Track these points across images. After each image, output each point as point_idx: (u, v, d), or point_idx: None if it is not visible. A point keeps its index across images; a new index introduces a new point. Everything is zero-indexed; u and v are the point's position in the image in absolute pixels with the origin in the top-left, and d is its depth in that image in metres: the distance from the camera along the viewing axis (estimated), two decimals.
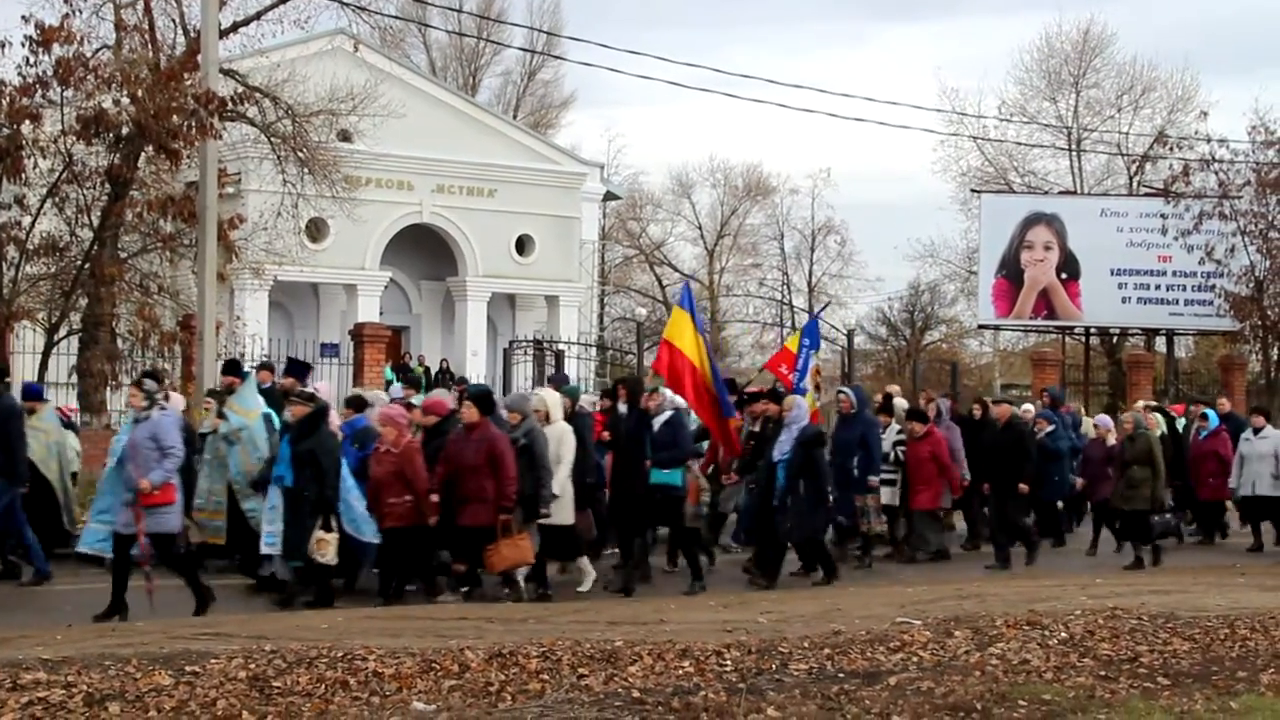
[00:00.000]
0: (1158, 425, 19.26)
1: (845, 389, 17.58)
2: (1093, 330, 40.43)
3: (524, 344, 33.98)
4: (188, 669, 8.71)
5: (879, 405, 18.22)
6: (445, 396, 15.31)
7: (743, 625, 11.31)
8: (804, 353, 18.61)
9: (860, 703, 8.42)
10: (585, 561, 14.78)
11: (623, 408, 14.96)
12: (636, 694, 8.54)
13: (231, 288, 29.60)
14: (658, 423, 14.83)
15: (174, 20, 24.73)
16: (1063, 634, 10.76)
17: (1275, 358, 35.41)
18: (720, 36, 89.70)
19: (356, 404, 14.91)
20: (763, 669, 9.42)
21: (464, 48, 54.78)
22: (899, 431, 17.49)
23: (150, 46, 23.41)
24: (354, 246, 35.60)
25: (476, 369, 33.85)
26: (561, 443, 14.12)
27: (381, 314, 35.86)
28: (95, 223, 22.32)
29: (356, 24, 29.27)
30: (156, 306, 23.38)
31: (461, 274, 38.43)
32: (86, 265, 22.31)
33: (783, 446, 14.95)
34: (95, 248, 22.29)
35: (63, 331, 23.12)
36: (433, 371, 35.14)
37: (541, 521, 13.75)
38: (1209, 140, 34.44)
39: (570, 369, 30.92)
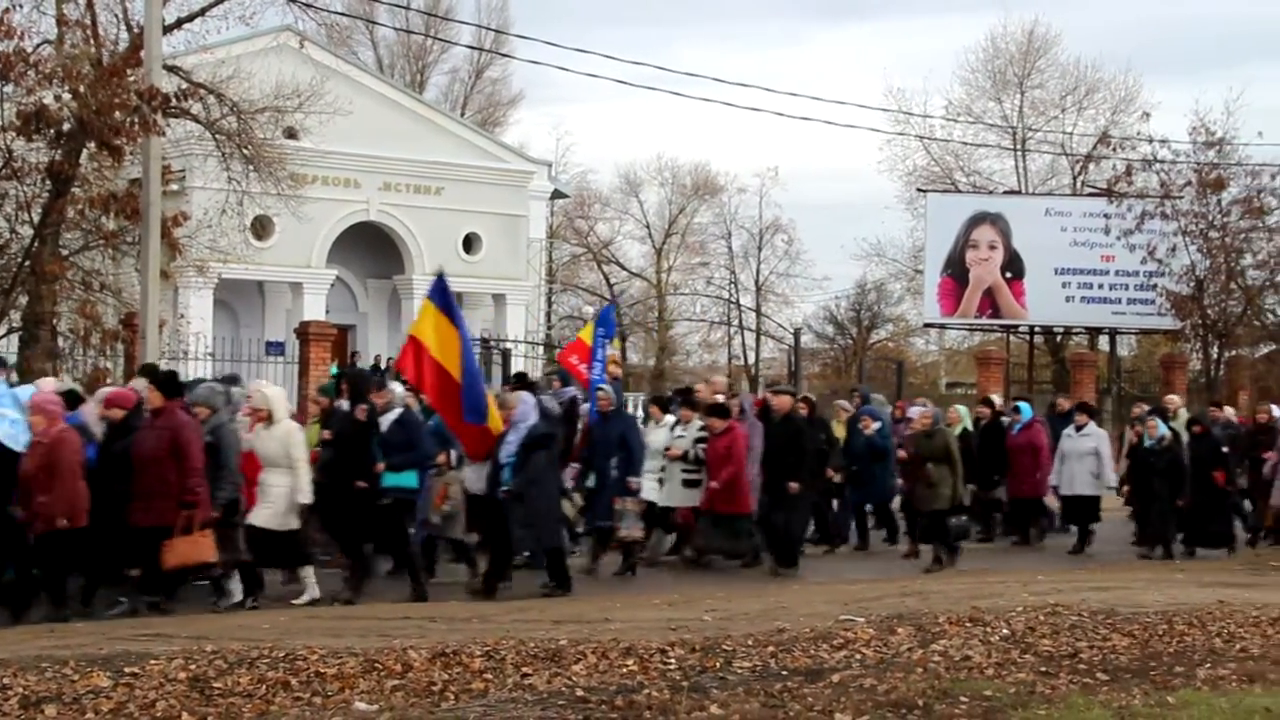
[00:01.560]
0: (960, 420, 18.69)
1: (604, 385, 16.48)
2: (1037, 329, 40.74)
3: (471, 342, 33.84)
4: (126, 670, 8.64)
5: (680, 400, 17.24)
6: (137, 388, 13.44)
7: (687, 623, 11.31)
8: (599, 343, 17.89)
9: (803, 700, 8.45)
10: (309, 572, 13.34)
11: (344, 404, 14.21)
12: (580, 693, 8.53)
13: (175, 286, 29.35)
14: (386, 421, 13.92)
15: (117, 16, 24.51)
16: (1004, 630, 10.83)
17: (1215, 356, 35.78)
18: (668, 35, 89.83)
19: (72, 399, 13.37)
20: (706, 667, 9.43)
21: (411, 45, 54.60)
22: (701, 428, 16.30)
23: (93, 42, 23.18)
24: (300, 244, 35.42)
25: None
26: (289, 443, 13.04)
27: (328, 312, 35.68)
28: (36, 220, 22.09)
29: (303, 21, 29.17)
30: (98, 304, 23.17)
31: (408, 272, 38.29)
32: (27, 263, 22.08)
33: (509, 448, 13.88)
34: (36, 245, 22.05)
35: (2, 329, 22.89)
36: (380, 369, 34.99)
37: (259, 524, 12.82)
38: (1151, 141, 34.78)
39: (517, 368, 30.86)
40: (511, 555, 14.25)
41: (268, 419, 13.07)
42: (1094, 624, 11.24)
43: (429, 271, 37.88)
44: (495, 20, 53.39)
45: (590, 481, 15.80)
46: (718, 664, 9.52)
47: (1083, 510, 18.66)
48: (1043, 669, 9.51)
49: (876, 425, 18.39)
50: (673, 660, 9.60)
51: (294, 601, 13.05)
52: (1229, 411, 20.96)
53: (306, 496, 12.96)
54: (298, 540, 13.18)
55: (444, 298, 14.77)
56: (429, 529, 14.66)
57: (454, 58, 56.19)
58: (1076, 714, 8.14)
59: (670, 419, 16.64)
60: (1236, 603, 12.70)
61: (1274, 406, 20.61)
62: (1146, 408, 19.53)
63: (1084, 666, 9.66)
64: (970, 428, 18.80)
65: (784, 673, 9.29)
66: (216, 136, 25.63)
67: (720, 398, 17.16)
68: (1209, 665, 9.68)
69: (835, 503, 18.57)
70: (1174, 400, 21.18)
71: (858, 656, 9.92)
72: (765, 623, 11.33)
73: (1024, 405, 19.90)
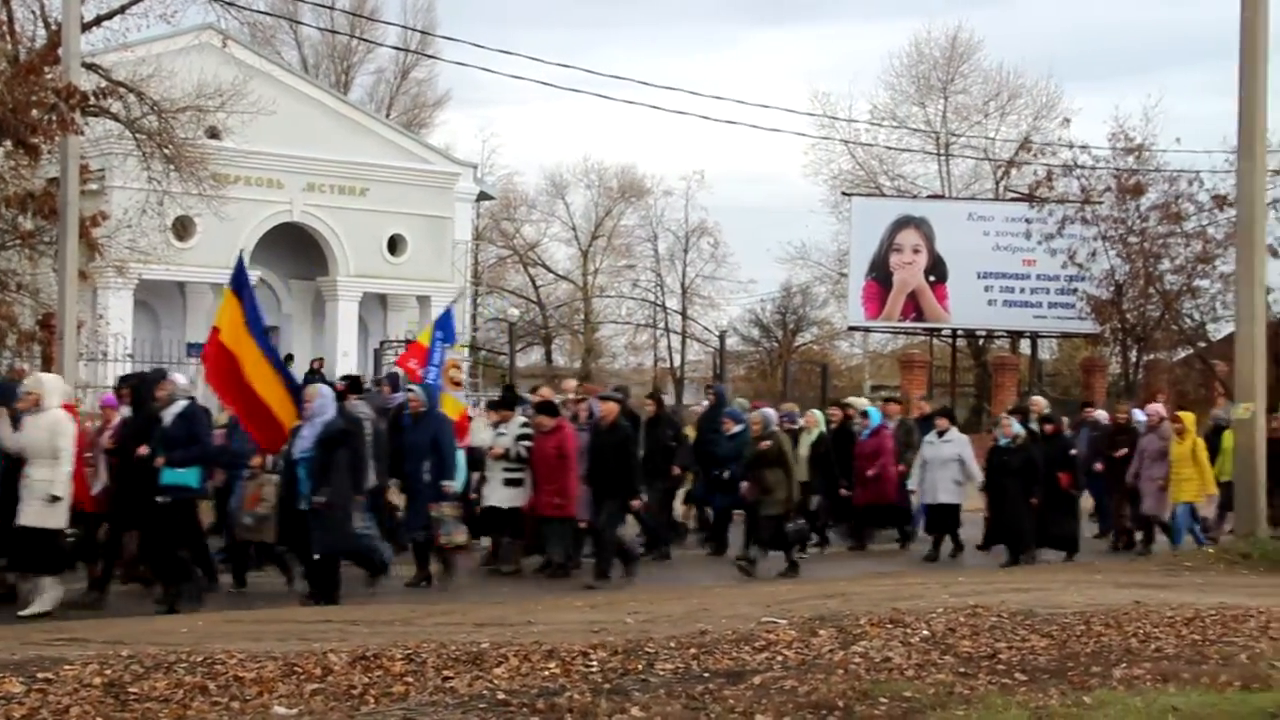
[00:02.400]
0: (817, 424, 18.31)
1: (414, 387, 15.57)
2: (959, 332, 41.08)
3: (395, 344, 33.73)
4: (40, 676, 8.51)
5: (500, 399, 16.97)
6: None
7: (609, 626, 11.31)
8: (437, 346, 17.40)
9: (724, 702, 8.46)
10: (51, 581, 12.66)
11: (127, 410, 13.71)
12: (501, 696, 8.50)
13: (94, 286, 28.99)
14: (169, 416, 13.19)
15: (34, 12, 24.24)
16: (925, 632, 10.90)
17: (1134, 360, 36.23)
18: (596, 37, 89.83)
19: None
20: (629, 669, 9.43)
21: (336, 45, 54.25)
22: (523, 425, 15.78)
23: (9, 39, 22.89)
24: (222, 245, 35.01)
25: (348, 369, 33.52)
26: (56, 433, 12.42)
27: None
28: None
29: (225, 19, 28.94)
30: (15, 305, 22.81)
31: (332, 273, 38.04)
32: None
33: (303, 443, 13.22)
34: None
35: None
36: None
37: (22, 524, 12.35)
38: (1071, 147, 35.17)
39: None
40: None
41: (36, 404, 12.50)
42: (1013, 625, 11.34)
43: (354, 273, 37.77)
44: (421, 21, 53.18)
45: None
46: (640, 666, 9.52)
47: (945, 519, 18.27)
48: (962, 670, 9.57)
49: (737, 428, 17.54)
50: (595, 663, 9.59)
51: (21, 613, 12.45)
52: (1100, 414, 21.03)
53: (62, 490, 12.40)
54: (55, 542, 12.55)
55: (241, 282, 14.54)
56: (241, 532, 14.26)
57: (379, 58, 55.96)
58: (994, 714, 8.20)
59: (520, 419, 16.06)
60: (1152, 603, 12.87)
61: (1135, 408, 20.71)
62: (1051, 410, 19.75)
63: (1003, 667, 9.73)
64: (824, 431, 18.43)
65: (706, 675, 9.30)
66: (137, 135, 25.35)
67: (559, 398, 16.95)
68: (1125, 665, 9.78)
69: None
70: (1038, 402, 21.00)
71: (779, 658, 9.95)
72: (688, 625, 11.34)
73: (872, 410, 19.51)
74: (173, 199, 26.80)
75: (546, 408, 15.88)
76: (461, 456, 15.58)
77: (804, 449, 17.67)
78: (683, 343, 57.18)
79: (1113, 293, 33.92)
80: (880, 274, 37.44)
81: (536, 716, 8.08)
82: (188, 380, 14.46)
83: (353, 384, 16.65)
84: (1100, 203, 33.78)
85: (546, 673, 9.26)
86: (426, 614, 12.46)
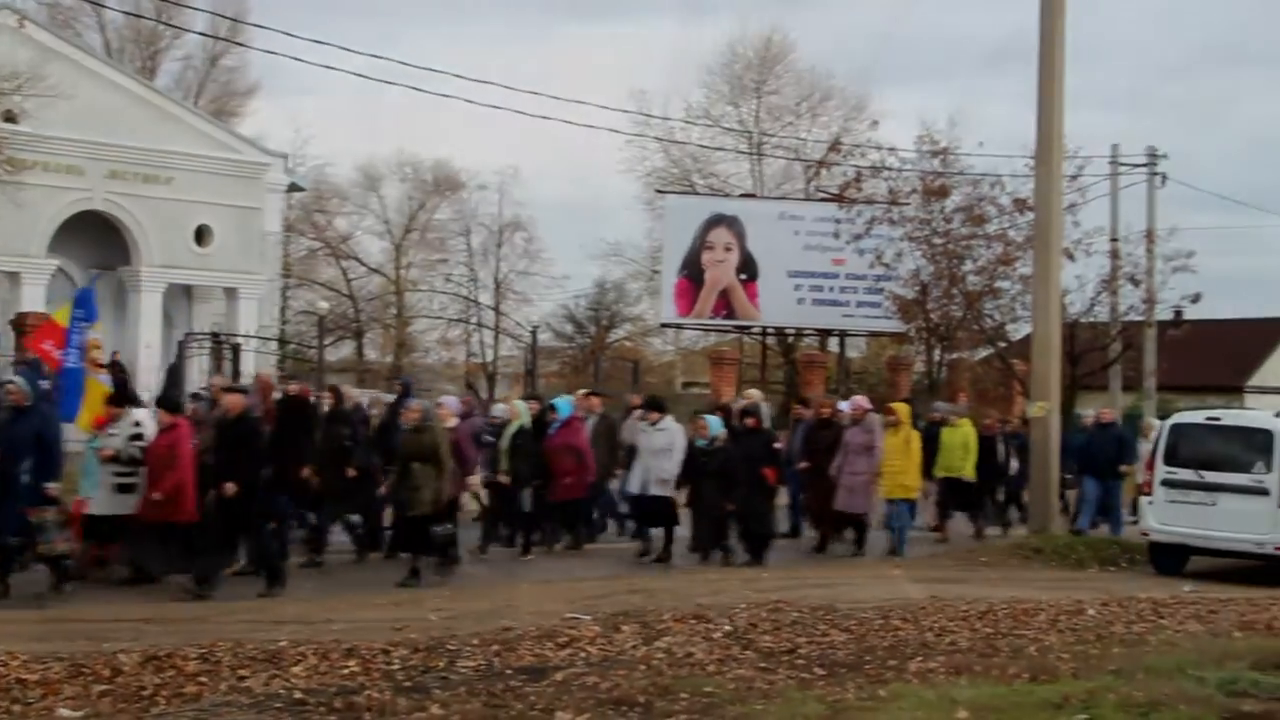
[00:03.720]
0: (519, 416, 17.27)
1: (13, 378, 13.88)
2: (770, 330, 41.58)
3: (200, 337, 33.01)
4: None
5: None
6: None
7: (412, 623, 11.21)
8: (76, 327, 16.33)
9: (525, 699, 8.43)
10: None
11: None
12: (299, 695, 8.37)
13: None
14: None
15: None
16: (727, 627, 11.00)
17: (938, 358, 37.01)
18: (412, 28, 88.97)
19: None
20: (430, 667, 9.35)
21: (142, 30, 52.87)
22: (135, 424, 14.06)
23: None
24: (18, 232, 33.90)
25: (151, 362, 32.71)
26: None
27: (49, 303, 34.27)
28: None
29: None
30: None
31: (135, 263, 37.01)
32: None
33: None
34: None
35: None
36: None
37: None
38: (879, 149, 35.78)
39: (249, 363, 30.19)
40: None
41: None
42: (814, 620, 11.50)
43: (158, 263, 36.82)
44: (231, 7, 52.09)
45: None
46: (441, 664, 9.45)
47: (655, 512, 17.20)
48: (762, 665, 9.68)
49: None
50: (395, 660, 9.49)
51: None
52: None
53: None
54: None
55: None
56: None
57: (188, 44, 54.65)
58: (792, 708, 8.30)
59: (133, 418, 14.30)
60: (948, 598, 13.18)
61: (843, 402, 20.13)
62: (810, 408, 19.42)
63: (802, 662, 9.86)
64: (528, 425, 17.28)
65: (508, 672, 9.27)
66: None
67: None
68: (920, 658, 9.98)
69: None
70: (753, 394, 20.63)
71: (582, 654, 9.96)
72: (491, 621, 11.29)
73: (561, 403, 18.29)
74: None
75: (167, 401, 14.47)
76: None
77: (505, 442, 17.04)
78: (495, 338, 56.95)
79: (918, 292, 34.58)
80: (692, 271, 37.69)
81: (334, 716, 7.97)
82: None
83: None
84: (906, 204, 34.39)
85: (346, 671, 9.15)
86: (224, 612, 12.21)
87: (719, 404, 19.88)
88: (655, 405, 17.89)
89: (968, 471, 20.03)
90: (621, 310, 57.04)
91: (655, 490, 16.94)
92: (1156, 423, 25.25)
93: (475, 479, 16.76)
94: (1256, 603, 14.08)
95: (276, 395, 16.50)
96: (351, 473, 16.00)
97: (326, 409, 16.62)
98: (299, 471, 15.12)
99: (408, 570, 14.66)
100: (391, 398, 18.49)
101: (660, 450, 16.93)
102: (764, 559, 16.98)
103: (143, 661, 9.00)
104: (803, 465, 18.68)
